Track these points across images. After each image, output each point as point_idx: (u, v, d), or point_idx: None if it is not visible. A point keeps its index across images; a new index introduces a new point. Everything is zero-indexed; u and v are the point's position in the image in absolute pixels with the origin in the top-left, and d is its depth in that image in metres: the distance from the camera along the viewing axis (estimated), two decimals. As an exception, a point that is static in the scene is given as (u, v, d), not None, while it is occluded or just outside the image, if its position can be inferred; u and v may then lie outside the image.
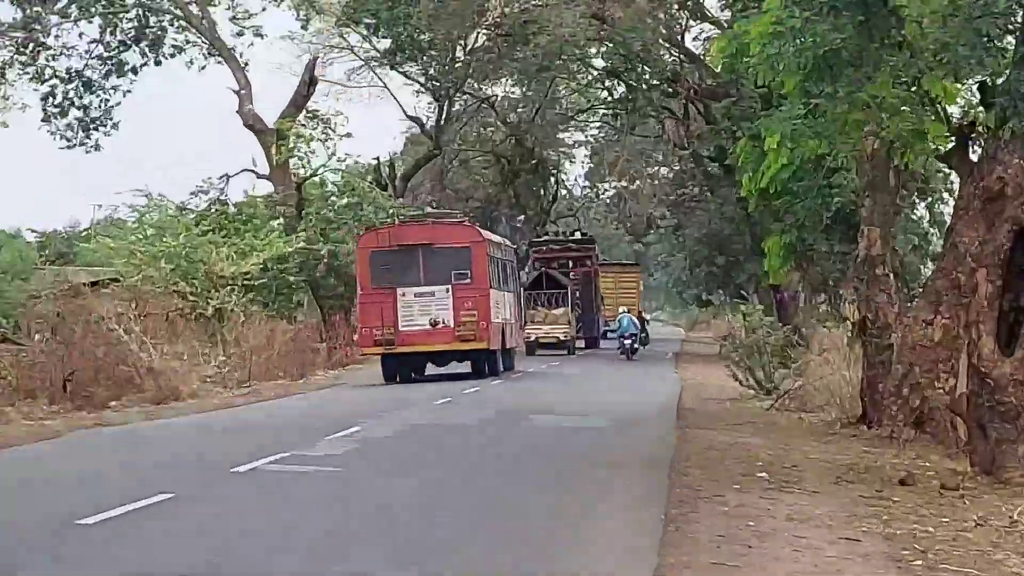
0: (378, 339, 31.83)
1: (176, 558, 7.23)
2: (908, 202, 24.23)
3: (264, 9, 38.41)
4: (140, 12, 35.16)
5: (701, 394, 28.03)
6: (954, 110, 14.38)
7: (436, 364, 33.53)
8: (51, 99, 36.09)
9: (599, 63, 37.71)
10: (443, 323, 31.73)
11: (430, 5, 31.75)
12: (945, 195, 24.44)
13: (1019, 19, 11.86)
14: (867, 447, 16.40)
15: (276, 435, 18.25)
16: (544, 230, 55.12)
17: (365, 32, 37.60)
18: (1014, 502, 10.02)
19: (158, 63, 37.63)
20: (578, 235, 52.89)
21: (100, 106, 36.80)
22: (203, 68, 39.90)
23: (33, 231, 37.67)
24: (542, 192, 54.09)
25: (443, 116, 43.80)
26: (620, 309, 46.66)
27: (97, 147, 37.74)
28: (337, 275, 36.92)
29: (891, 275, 19.43)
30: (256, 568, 6.95)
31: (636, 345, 43.72)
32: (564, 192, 58.33)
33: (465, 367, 33.22)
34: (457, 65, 39.11)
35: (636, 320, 44.93)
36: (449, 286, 31.87)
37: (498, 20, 32.49)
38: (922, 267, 24.89)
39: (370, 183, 41.17)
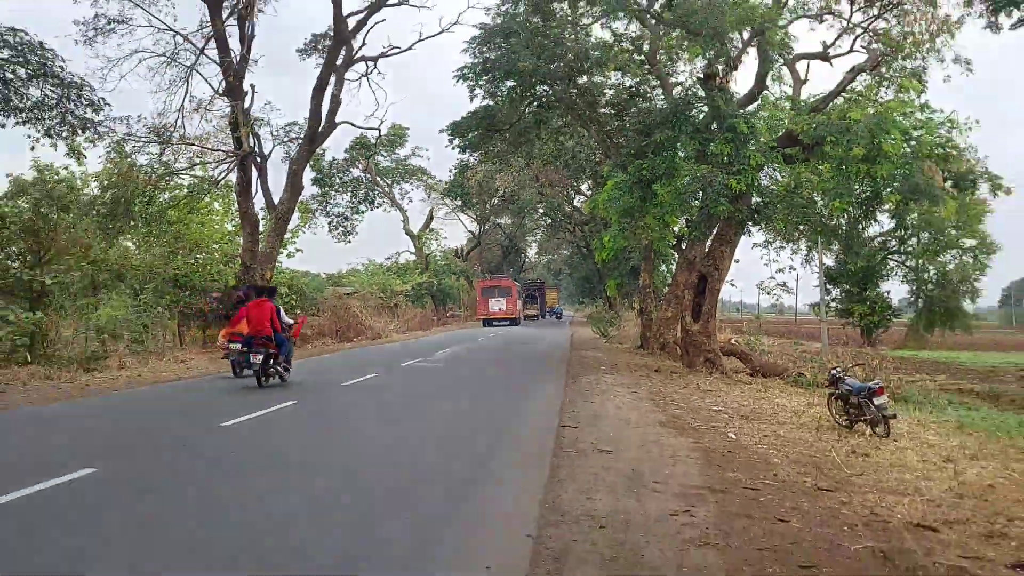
0: (482, 315, 70.58)
1: (386, 397, 18.01)
2: (658, 265, 38.40)
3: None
4: (367, 192, 62.23)
5: (580, 337, 47.49)
6: (676, 229, 27.09)
7: (497, 324, 68.80)
8: (332, 221, 62.73)
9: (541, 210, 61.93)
10: (501, 310, 70.51)
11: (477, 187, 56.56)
12: (672, 266, 37.76)
13: (699, 200, 22.65)
14: (643, 357, 30.23)
15: (417, 351, 32.35)
16: (523, 277, 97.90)
17: (451, 198, 70.33)
18: (696, 379, 22.06)
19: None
20: (538, 279, 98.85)
21: (350, 224, 63.97)
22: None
23: (323, 274, 62.22)
24: (523, 262, 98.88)
25: (481, 231, 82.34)
26: (553, 305, 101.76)
27: (348, 241, 66.97)
28: (441, 292, 72.29)
29: (652, 292, 34.42)
30: (413, 400, 17.67)
31: (560, 318, 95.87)
32: (529, 261, 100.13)
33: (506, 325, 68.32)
34: (486, 209, 71.10)
35: (558, 309, 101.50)
36: (505, 299, 70.48)
37: (503, 192, 59.33)
38: (664, 288, 36.56)
39: (452, 254, 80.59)
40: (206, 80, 30.76)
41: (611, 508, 8.23)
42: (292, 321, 21.15)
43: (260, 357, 18.42)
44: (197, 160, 30.94)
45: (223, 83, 30.08)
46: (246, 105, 30.25)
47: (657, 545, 7.04)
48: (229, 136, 30.83)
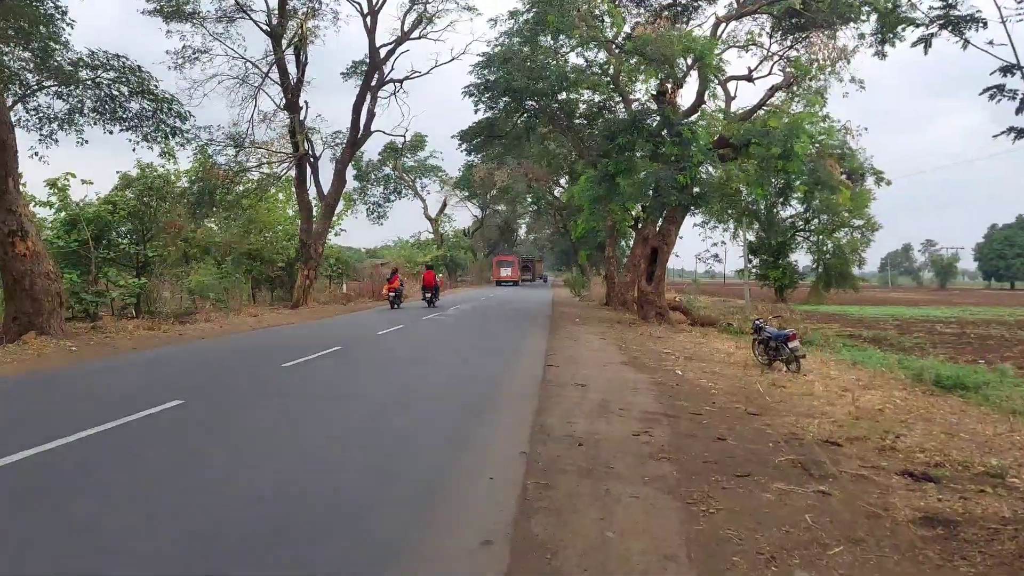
0: (496, 278, 75.46)
1: (411, 343, 18.50)
2: (619, 241, 37.57)
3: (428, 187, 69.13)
4: (395, 186, 61.89)
5: (559, 296, 46.36)
6: (634, 213, 27.35)
7: (504, 284, 72.85)
8: (369, 208, 60.69)
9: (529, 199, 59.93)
10: (508, 275, 75.84)
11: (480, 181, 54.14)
12: (630, 241, 37.65)
13: (652, 191, 22.81)
14: (608, 312, 30.02)
15: (435, 308, 31.21)
16: (517, 251, 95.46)
17: (460, 190, 65.86)
18: (649, 329, 22.28)
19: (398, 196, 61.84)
20: (531, 257, 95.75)
21: (383, 211, 62.28)
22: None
23: (363, 248, 65.57)
24: (515, 239, 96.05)
25: (483, 216, 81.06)
26: (541, 273, 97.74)
27: (381, 223, 68.69)
28: (453, 262, 68.81)
29: (615, 261, 34.21)
30: (427, 342, 17.99)
31: (546, 281, 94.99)
32: (519, 238, 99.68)
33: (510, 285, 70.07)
34: (487, 199, 70.76)
35: (544, 275, 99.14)
36: (510, 268, 76.57)
37: (501, 186, 55.34)
38: (623, 259, 37.57)
39: (461, 233, 77.70)
40: (270, 97, 30.36)
41: (586, 430, 8.04)
42: (440, 279, 35.14)
43: (429, 295, 31.81)
44: (264, 160, 30.51)
45: (283, 100, 29.59)
46: (301, 117, 29.76)
47: (623, 459, 6.85)
48: (288, 141, 30.43)
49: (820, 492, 5.92)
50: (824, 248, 49.50)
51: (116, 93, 18.93)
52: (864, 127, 25.10)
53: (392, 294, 30.91)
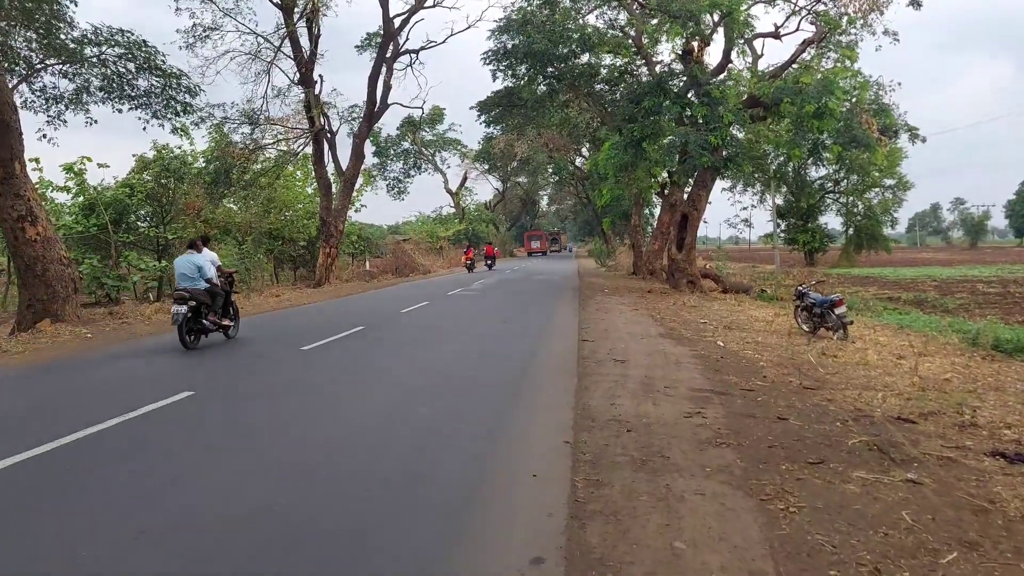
0: (527, 250, 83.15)
1: (436, 321, 17.09)
2: (644, 209, 36.44)
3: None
4: (415, 160, 61.06)
5: (584, 267, 45.46)
6: (660, 179, 26.33)
7: (535, 256, 78.74)
8: (389, 184, 60.18)
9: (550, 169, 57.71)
10: (537, 247, 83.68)
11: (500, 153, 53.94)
12: (655, 209, 36.27)
13: (680, 152, 21.90)
14: (635, 282, 29.03)
15: (459, 283, 30.50)
16: (538, 223, 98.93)
17: (480, 163, 65.71)
18: (681, 298, 21.09)
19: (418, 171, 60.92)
20: (556, 230, 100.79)
21: (403, 186, 60.81)
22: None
23: (385, 225, 63.86)
24: (537, 211, 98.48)
25: (504, 188, 78.75)
26: (566, 244, 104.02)
27: (402, 199, 67.43)
28: (475, 236, 64.98)
29: (640, 230, 33.36)
30: (460, 322, 16.11)
31: (571, 251, 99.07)
32: (542, 210, 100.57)
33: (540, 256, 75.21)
34: (508, 171, 68.92)
35: (569, 245, 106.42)
36: (539, 241, 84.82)
37: (521, 158, 54.09)
38: (648, 227, 36.69)
39: (482, 207, 77.08)
40: (284, 72, 29.58)
41: (633, 412, 7.32)
42: (495, 252, 48.29)
43: (491, 262, 45.18)
44: (280, 137, 29.83)
45: (297, 75, 28.79)
46: (316, 91, 28.94)
47: (679, 446, 6.13)
48: (304, 117, 29.65)
49: (910, 481, 5.16)
50: (855, 209, 48.07)
51: (123, 70, 18.20)
52: (897, 82, 23.99)
53: (469, 262, 42.90)
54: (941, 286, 27.73)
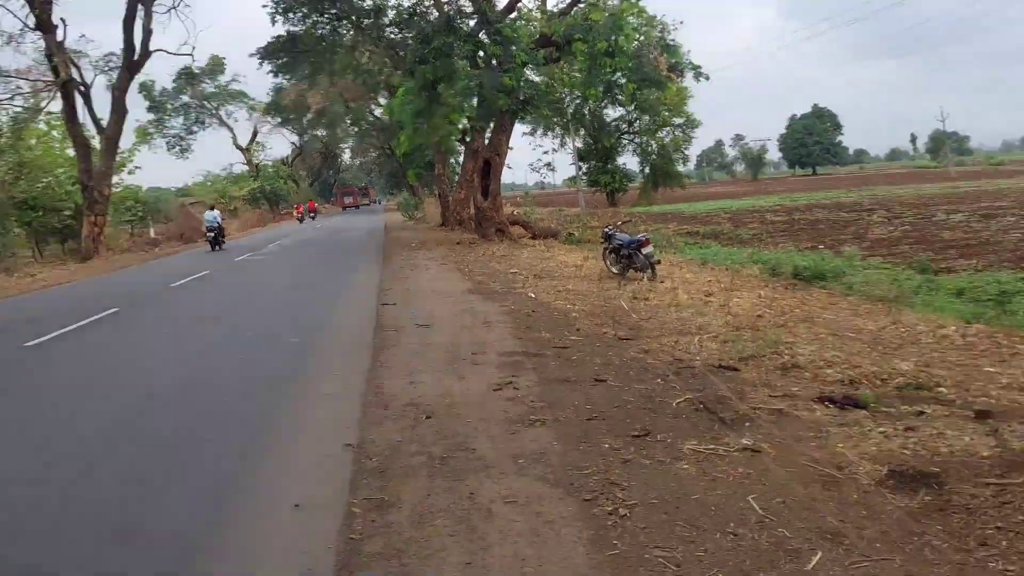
0: (343, 205, 79.45)
1: (219, 282, 15.88)
2: (448, 157, 33.82)
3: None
4: (197, 115, 55.32)
5: (392, 221, 42.42)
6: (460, 126, 25.07)
7: (348, 210, 74.84)
8: (169, 142, 54.09)
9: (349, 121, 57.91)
10: (351, 202, 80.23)
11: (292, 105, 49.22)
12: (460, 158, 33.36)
13: (476, 95, 21.50)
14: (445, 233, 27.70)
15: (249, 247, 27.88)
16: (342, 178, 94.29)
17: (272, 116, 59.57)
18: (491, 248, 20.15)
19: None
20: (364, 185, 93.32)
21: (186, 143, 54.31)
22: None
23: (173, 188, 61.28)
24: (340, 165, 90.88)
25: (301, 142, 69.91)
26: (376, 198, 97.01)
27: (186, 157, 56.09)
28: (274, 195, 63.86)
29: (446, 179, 32.06)
30: (236, 295, 14.88)
31: (380, 204, 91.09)
32: (344, 164, 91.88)
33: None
34: (303, 124, 62.22)
35: (378, 198, 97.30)
36: (352, 196, 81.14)
37: (316, 109, 50.58)
38: (455, 177, 33.65)
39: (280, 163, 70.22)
40: (13, 13, 24.96)
41: (435, 391, 6.22)
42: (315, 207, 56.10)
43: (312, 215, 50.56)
44: (18, 92, 25.44)
45: (31, 17, 24.45)
46: (59, 38, 24.80)
47: (487, 431, 5.11)
48: (48, 68, 25.40)
49: (747, 450, 4.47)
50: (649, 149, 49.72)
51: None
52: (680, 20, 24.51)
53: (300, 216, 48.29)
54: (734, 218, 29.10)
